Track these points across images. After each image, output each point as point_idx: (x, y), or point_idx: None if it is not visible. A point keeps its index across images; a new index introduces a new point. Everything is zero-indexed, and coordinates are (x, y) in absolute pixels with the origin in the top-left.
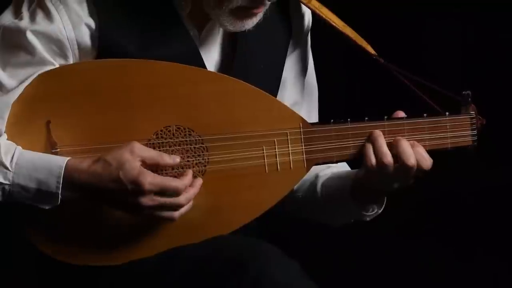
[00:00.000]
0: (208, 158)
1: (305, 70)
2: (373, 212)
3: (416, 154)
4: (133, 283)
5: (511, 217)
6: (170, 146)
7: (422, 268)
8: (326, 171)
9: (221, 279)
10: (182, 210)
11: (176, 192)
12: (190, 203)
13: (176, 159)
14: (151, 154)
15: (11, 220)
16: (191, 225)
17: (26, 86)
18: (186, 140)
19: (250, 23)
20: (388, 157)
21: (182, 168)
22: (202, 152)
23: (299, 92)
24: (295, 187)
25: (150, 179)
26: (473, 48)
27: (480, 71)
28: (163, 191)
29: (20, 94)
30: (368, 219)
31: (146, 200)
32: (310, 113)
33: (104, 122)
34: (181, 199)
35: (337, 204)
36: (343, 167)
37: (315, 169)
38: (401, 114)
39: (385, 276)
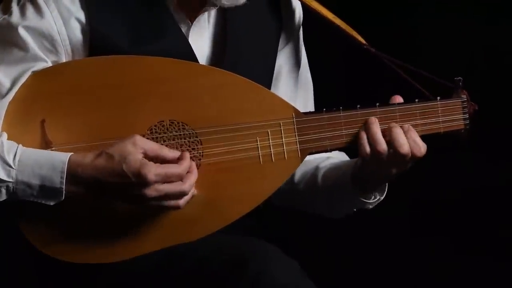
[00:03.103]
0: (202, 152)
1: (299, 64)
2: (375, 200)
3: (409, 141)
4: (132, 282)
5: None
6: (164, 141)
7: (422, 268)
8: (326, 162)
9: (220, 278)
10: (187, 197)
11: (179, 178)
12: (193, 190)
13: (176, 154)
14: (153, 146)
15: (10, 220)
16: (188, 219)
17: (20, 86)
18: (180, 134)
19: None
20: (383, 145)
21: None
22: (196, 145)
23: (293, 86)
24: (296, 179)
25: (153, 170)
26: (469, 41)
27: (479, 66)
28: (166, 180)
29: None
30: (370, 207)
31: (151, 191)
32: (306, 107)
33: (98, 120)
34: (184, 186)
35: (339, 194)
36: (342, 158)
37: (315, 161)
38: (398, 99)
39: (385, 276)
